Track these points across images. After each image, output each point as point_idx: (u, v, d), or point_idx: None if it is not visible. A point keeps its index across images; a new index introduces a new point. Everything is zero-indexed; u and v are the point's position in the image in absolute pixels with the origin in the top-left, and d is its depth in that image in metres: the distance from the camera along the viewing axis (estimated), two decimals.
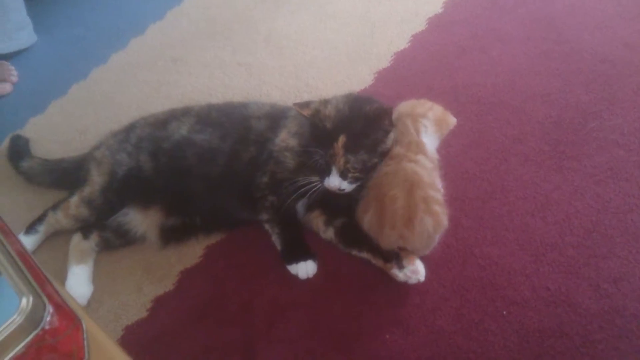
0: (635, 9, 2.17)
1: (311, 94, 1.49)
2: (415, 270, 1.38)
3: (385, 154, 1.46)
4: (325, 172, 1.43)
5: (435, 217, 1.37)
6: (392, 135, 1.47)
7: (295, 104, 1.50)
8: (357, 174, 1.42)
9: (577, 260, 1.46)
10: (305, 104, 1.49)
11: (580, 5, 2.24)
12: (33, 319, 0.66)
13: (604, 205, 1.57)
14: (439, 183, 1.46)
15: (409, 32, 2.26)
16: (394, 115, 1.51)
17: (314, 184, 1.46)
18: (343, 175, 1.42)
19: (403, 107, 1.54)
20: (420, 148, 1.46)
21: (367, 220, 1.44)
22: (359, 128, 1.40)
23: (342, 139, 1.39)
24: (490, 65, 2.05)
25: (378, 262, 1.46)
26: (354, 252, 1.51)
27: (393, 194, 1.38)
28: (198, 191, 1.62)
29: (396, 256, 1.41)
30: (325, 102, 1.49)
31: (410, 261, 1.39)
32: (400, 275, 1.41)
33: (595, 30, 2.11)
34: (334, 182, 1.42)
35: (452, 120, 1.56)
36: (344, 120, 1.43)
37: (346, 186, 1.44)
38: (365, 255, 1.49)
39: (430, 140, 1.52)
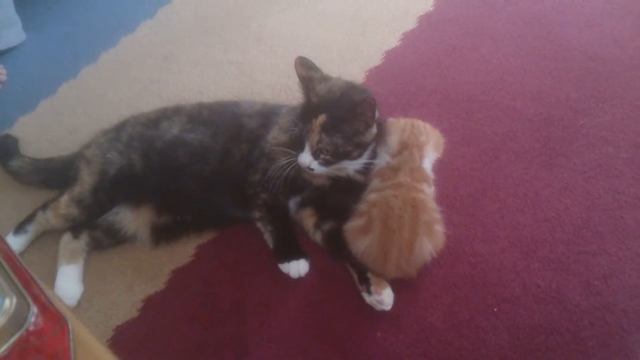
0: (624, 7, 2.19)
1: (302, 92, 1.50)
2: (381, 301, 1.37)
3: (361, 146, 1.46)
4: (300, 147, 1.44)
5: (435, 240, 1.40)
6: (373, 130, 1.47)
7: (300, 57, 1.50)
8: (328, 157, 1.43)
9: (567, 257, 1.47)
10: (309, 66, 1.50)
11: (569, 3, 2.25)
12: (17, 319, 0.65)
13: (593, 202, 1.57)
14: (434, 201, 1.49)
15: (399, 31, 2.26)
16: (395, 139, 1.53)
17: (292, 158, 1.46)
18: (315, 154, 1.42)
19: (404, 134, 1.53)
20: (422, 175, 1.49)
21: (365, 243, 1.41)
22: (342, 113, 1.40)
23: (322, 118, 1.40)
24: (481, 63, 2.06)
25: (354, 277, 1.46)
26: (338, 260, 1.51)
27: (402, 220, 1.38)
28: (190, 190, 1.61)
29: (366, 281, 1.40)
30: (324, 78, 1.50)
31: (378, 290, 1.38)
32: (367, 299, 1.41)
33: (584, 28, 2.12)
34: (305, 158, 1.43)
35: (442, 139, 1.60)
36: (331, 101, 1.43)
37: (315, 166, 1.44)
38: (347, 266, 1.48)
39: (429, 163, 1.55)
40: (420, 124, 1.58)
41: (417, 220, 1.38)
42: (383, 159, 1.53)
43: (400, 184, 1.45)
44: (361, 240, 1.42)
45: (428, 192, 1.48)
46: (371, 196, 1.47)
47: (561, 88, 1.90)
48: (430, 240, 1.39)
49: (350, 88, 1.49)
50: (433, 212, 1.43)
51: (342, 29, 2.33)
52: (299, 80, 1.50)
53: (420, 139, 1.53)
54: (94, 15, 2.66)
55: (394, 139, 1.53)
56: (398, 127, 1.56)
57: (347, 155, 1.45)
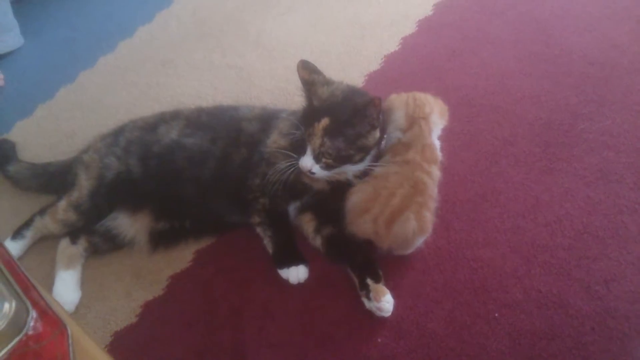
0: (623, 11, 2.19)
1: (302, 96, 1.50)
2: (380, 308, 1.37)
3: (363, 150, 1.46)
4: (302, 151, 1.44)
5: (421, 223, 1.39)
6: (376, 134, 1.47)
7: (302, 61, 1.50)
8: (330, 161, 1.43)
9: (568, 261, 1.46)
10: (312, 70, 1.50)
11: (569, 7, 2.26)
12: (16, 324, 0.65)
13: (594, 207, 1.57)
14: (436, 189, 1.48)
15: (399, 35, 2.26)
16: (402, 114, 1.52)
17: (292, 161, 1.46)
18: (317, 158, 1.42)
19: (409, 108, 1.53)
20: (433, 156, 1.49)
21: (354, 199, 1.45)
22: (345, 116, 1.40)
23: (324, 121, 1.40)
24: (481, 67, 2.06)
25: (355, 282, 1.45)
26: (339, 265, 1.50)
27: (394, 191, 1.40)
28: (188, 195, 1.60)
29: (366, 287, 1.39)
30: (327, 82, 1.50)
31: (377, 297, 1.37)
32: (367, 305, 1.40)
33: (584, 33, 2.12)
34: (307, 162, 1.43)
35: (446, 107, 1.59)
36: (333, 104, 1.44)
37: (317, 170, 1.44)
38: (348, 271, 1.48)
39: (436, 134, 1.55)
40: (422, 95, 1.57)
41: (411, 198, 1.40)
42: (393, 136, 1.54)
43: (407, 161, 1.46)
44: (352, 197, 1.45)
45: (435, 175, 1.47)
46: (377, 170, 1.49)
47: (561, 92, 1.90)
48: (417, 220, 1.39)
49: (352, 92, 1.50)
50: (430, 199, 1.43)
51: (341, 33, 2.33)
52: (302, 84, 1.50)
53: (425, 110, 1.52)
54: (92, 20, 2.66)
55: (400, 114, 1.52)
56: (401, 101, 1.55)
57: (349, 159, 1.45)
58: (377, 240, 1.42)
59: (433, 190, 1.45)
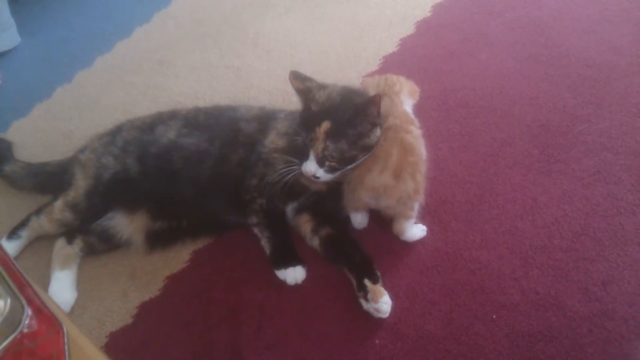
0: (622, 14, 2.19)
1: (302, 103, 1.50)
2: (378, 309, 1.37)
3: (366, 149, 1.45)
4: (304, 156, 1.43)
5: (417, 184, 1.41)
6: (377, 132, 1.46)
7: (293, 72, 1.50)
8: (334, 163, 1.42)
9: (566, 263, 1.46)
10: (303, 78, 1.51)
11: (567, 10, 2.26)
12: (11, 321, 0.64)
13: (592, 209, 1.57)
14: (423, 149, 1.50)
15: (397, 36, 2.26)
16: (372, 93, 1.52)
17: (293, 166, 1.45)
18: (320, 162, 1.42)
19: (379, 88, 1.56)
20: (409, 118, 1.52)
21: (355, 171, 1.45)
22: (346, 118, 1.40)
23: (325, 125, 1.39)
24: (479, 69, 2.06)
25: (353, 283, 1.44)
26: (336, 266, 1.50)
27: (390, 150, 1.41)
28: (185, 195, 1.60)
29: (364, 288, 1.39)
30: (321, 86, 1.50)
31: (375, 298, 1.37)
32: (365, 306, 1.40)
33: (582, 35, 2.12)
34: (310, 167, 1.42)
35: (417, 88, 1.65)
36: (332, 107, 1.43)
37: (321, 174, 1.43)
38: (345, 271, 1.47)
39: (409, 108, 1.59)
40: (394, 76, 1.61)
41: (405, 157, 1.41)
42: None
43: (389, 127, 1.47)
44: (352, 172, 1.46)
45: (416, 133, 1.49)
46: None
47: (559, 94, 1.90)
48: (413, 182, 1.41)
49: (349, 92, 1.50)
50: (420, 160, 1.45)
51: (340, 34, 2.33)
52: (297, 94, 1.50)
53: (394, 89, 1.56)
54: (89, 20, 2.65)
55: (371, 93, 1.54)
56: (373, 82, 1.59)
57: (352, 160, 1.44)
58: (386, 194, 1.41)
59: (420, 150, 1.47)
